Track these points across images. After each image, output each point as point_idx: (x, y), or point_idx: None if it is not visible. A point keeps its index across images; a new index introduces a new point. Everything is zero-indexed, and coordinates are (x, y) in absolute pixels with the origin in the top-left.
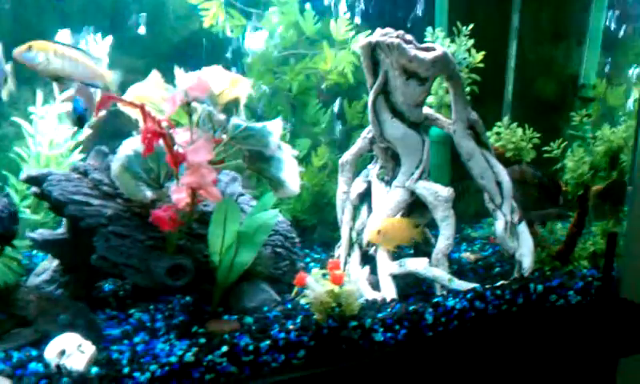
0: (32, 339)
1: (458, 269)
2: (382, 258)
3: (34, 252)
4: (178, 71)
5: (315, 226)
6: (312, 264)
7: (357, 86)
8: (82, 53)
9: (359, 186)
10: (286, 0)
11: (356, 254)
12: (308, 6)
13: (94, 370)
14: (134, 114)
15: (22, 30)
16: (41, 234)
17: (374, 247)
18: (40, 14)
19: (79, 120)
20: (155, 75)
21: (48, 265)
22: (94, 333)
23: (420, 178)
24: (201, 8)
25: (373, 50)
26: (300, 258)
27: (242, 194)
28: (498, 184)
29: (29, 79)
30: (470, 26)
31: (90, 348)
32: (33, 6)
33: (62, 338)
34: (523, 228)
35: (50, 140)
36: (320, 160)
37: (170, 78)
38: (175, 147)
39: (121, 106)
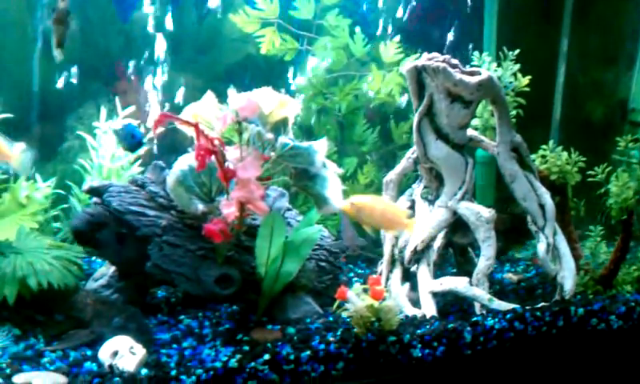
0: (88, 340)
1: (500, 289)
2: (423, 275)
3: (93, 258)
4: (231, 92)
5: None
6: (355, 279)
7: (404, 106)
8: None
9: (403, 204)
10: (337, 24)
11: (398, 271)
12: (358, 29)
13: (144, 371)
14: (190, 131)
15: (90, 51)
16: None
17: (415, 265)
18: (106, 35)
19: (132, 146)
20: (209, 96)
21: (105, 271)
22: (145, 336)
23: (463, 198)
24: (257, 35)
25: (419, 73)
26: (343, 273)
27: (289, 209)
28: (541, 206)
29: (94, 95)
30: (517, 51)
31: (140, 350)
32: (99, 28)
33: (116, 340)
34: (566, 250)
35: (112, 153)
36: (366, 178)
37: (224, 99)
38: (226, 164)
39: (177, 124)
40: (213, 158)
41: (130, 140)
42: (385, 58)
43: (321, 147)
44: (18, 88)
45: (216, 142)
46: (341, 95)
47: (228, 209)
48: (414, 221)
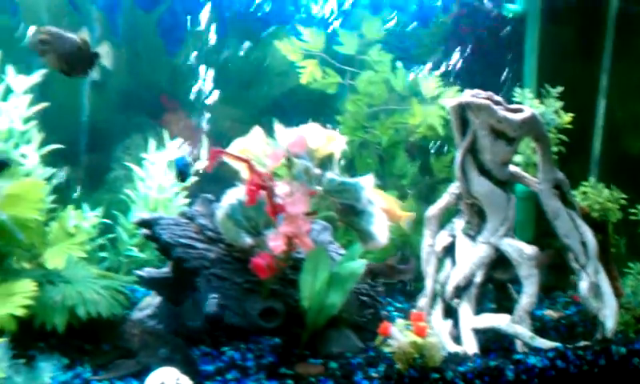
0: (134, 370)
1: (540, 326)
2: (465, 311)
3: (135, 287)
4: (278, 127)
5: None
6: (394, 313)
7: (445, 140)
8: None
9: (444, 239)
10: (379, 59)
11: (439, 306)
12: (399, 63)
13: None
14: (237, 165)
15: (137, 82)
16: (148, 271)
17: (457, 301)
18: (153, 68)
19: (181, 174)
20: (257, 130)
21: (151, 300)
22: (191, 368)
23: (505, 234)
24: (299, 66)
25: (463, 109)
26: (383, 307)
27: (331, 243)
28: (583, 244)
29: (140, 126)
30: (560, 89)
31: (187, 382)
32: (146, 60)
33: (162, 371)
34: (607, 289)
35: (158, 184)
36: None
37: (268, 130)
38: (275, 198)
39: (225, 157)
40: (262, 192)
41: (180, 171)
42: (425, 91)
43: (367, 183)
44: (68, 118)
45: (266, 178)
46: (382, 129)
47: (275, 243)
48: (408, 215)
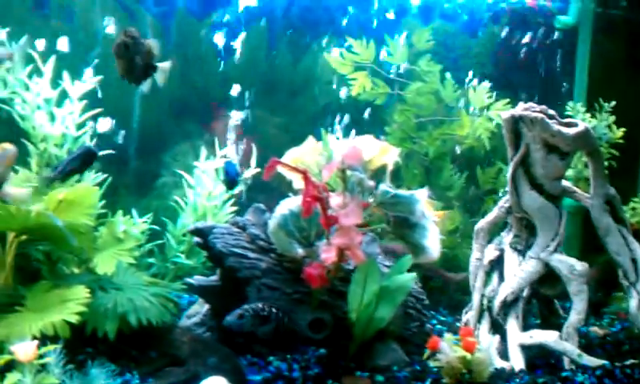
0: (183, 378)
1: (586, 343)
2: (512, 327)
3: (180, 293)
4: (331, 138)
5: (442, 287)
6: (438, 326)
7: (491, 151)
8: None
9: (492, 253)
10: (429, 69)
11: (486, 321)
12: (448, 75)
13: None
14: (289, 174)
15: (187, 90)
16: (197, 280)
17: (504, 316)
18: (204, 75)
19: (230, 183)
20: (311, 141)
21: (199, 308)
22: (239, 377)
23: (555, 250)
24: (349, 77)
25: (516, 122)
26: (428, 320)
27: (378, 254)
28: (634, 261)
29: (189, 134)
30: (613, 103)
31: None
32: (197, 68)
33: (211, 380)
34: None
35: (208, 192)
36: (452, 224)
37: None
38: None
39: (281, 168)
40: (317, 203)
41: (228, 178)
42: (474, 103)
43: (422, 196)
44: (120, 124)
45: (321, 190)
46: (429, 140)
47: (327, 254)
48: (441, 213)
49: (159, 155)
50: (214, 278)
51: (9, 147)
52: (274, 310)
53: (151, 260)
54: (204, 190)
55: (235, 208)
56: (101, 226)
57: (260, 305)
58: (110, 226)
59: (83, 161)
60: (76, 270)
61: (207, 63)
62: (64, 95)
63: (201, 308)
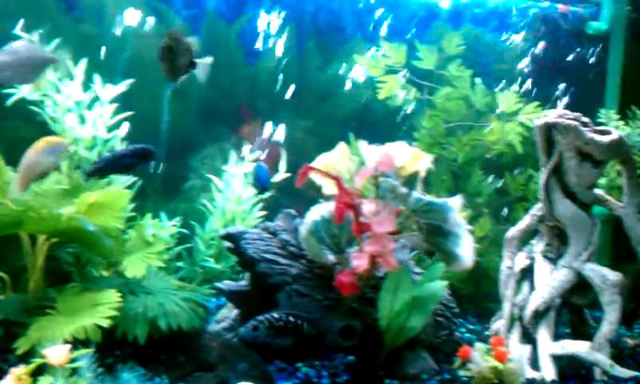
0: (213, 383)
1: (617, 353)
2: (544, 337)
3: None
4: (363, 144)
5: (470, 295)
6: (467, 335)
7: (521, 158)
8: None
9: (522, 261)
10: (459, 74)
11: (517, 330)
12: (479, 80)
13: None
14: (323, 181)
15: (216, 93)
16: (227, 284)
17: (535, 325)
18: (233, 79)
19: (260, 187)
20: (342, 146)
21: (227, 313)
22: None
23: (588, 259)
24: (378, 81)
25: (549, 130)
26: (457, 328)
27: (409, 261)
28: None
29: (217, 137)
30: None
31: None
32: (226, 71)
33: None
34: None
35: (237, 196)
36: (481, 231)
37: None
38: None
39: (314, 174)
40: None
41: (259, 182)
42: (504, 108)
43: (455, 204)
44: (149, 127)
45: (354, 196)
46: (458, 145)
47: (359, 261)
48: None
49: (187, 158)
50: (243, 282)
51: (65, 141)
52: (291, 319)
53: (180, 264)
54: (233, 195)
55: (264, 213)
56: (130, 228)
57: (276, 315)
58: (139, 229)
59: (139, 158)
60: (104, 273)
61: (236, 66)
62: (95, 98)
63: (229, 313)
